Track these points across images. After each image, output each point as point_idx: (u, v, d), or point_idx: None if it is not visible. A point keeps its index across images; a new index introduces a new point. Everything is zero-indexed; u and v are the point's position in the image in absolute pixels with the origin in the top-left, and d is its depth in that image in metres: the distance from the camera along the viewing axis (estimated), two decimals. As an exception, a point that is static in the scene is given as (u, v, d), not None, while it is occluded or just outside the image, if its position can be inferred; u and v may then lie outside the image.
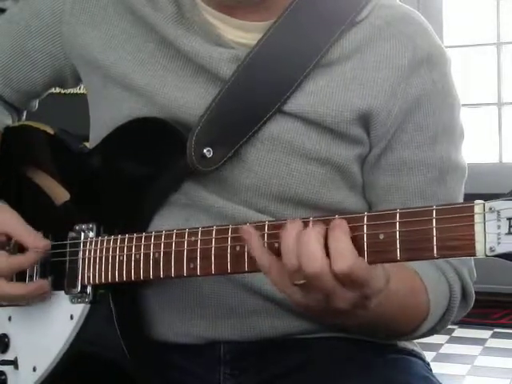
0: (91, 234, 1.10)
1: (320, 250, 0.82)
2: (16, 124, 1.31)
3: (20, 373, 1.17)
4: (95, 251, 1.08)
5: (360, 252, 0.82)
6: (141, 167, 1.11)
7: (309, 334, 1.12)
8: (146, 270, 1.02)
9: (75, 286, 1.10)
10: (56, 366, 1.12)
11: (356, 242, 0.82)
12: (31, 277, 1.14)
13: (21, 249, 1.13)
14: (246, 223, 0.92)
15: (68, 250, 1.12)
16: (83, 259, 1.09)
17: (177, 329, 1.11)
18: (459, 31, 4.44)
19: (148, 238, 1.02)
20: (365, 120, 1.08)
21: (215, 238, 0.94)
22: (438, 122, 1.10)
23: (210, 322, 1.10)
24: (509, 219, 0.73)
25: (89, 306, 1.09)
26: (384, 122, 1.08)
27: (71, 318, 1.10)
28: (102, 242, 1.08)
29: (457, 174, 1.13)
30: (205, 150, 1.05)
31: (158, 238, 1.01)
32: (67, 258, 1.11)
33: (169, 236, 1.00)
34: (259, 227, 0.89)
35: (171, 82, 1.10)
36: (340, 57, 1.08)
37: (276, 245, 0.87)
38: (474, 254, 0.76)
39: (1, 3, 2.44)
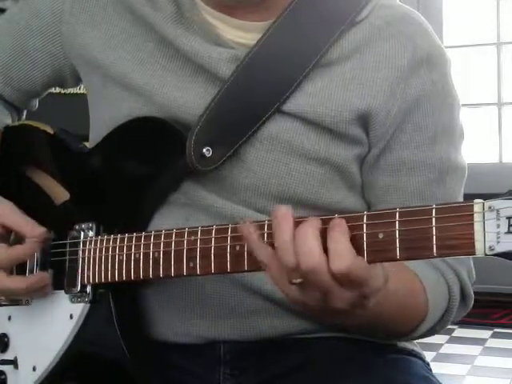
0: (91, 234, 1.10)
1: (317, 246, 0.81)
2: (16, 123, 1.31)
3: (20, 372, 1.17)
4: (95, 250, 1.08)
5: (359, 251, 0.82)
6: (140, 167, 1.11)
7: (309, 334, 1.12)
8: (146, 270, 1.02)
9: (75, 286, 1.10)
10: (56, 366, 1.12)
11: (355, 241, 0.82)
12: (31, 271, 1.14)
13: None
14: (244, 221, 0.91)
15: (68, 249, 1.12)
16: (83, 258, 1.09)
17: (176, 328, 1.11)
18: (459, 31, 4.44)
19: (148, 238, 1.02)
20: (364, 120, 1.08)
21: (215, 238, 0.94)
22: (438, 122, 1.10)
23: (209, 322, 1.10)
24: (508, 218, 0.73)
25: (88, 305, 1.09)
26: (383, 122, 1.08)
27: (71, 317, 1.10)
28: (102, 241, 1.08)
29: (456, 174, 1.13)
30: (204, 150, 1.05)
31: (157, 237, 1.01)
32: (67, 258, 1.11)
33: (168, 235, 1.00)
34: (259, 226, 0.89)
35: (170, 82, 1.10)
36: (339, 57, 1.08)
37: (276, 244, 0.87)
38: (473, 253, 0.76)
39: (1, 3, 2.44)
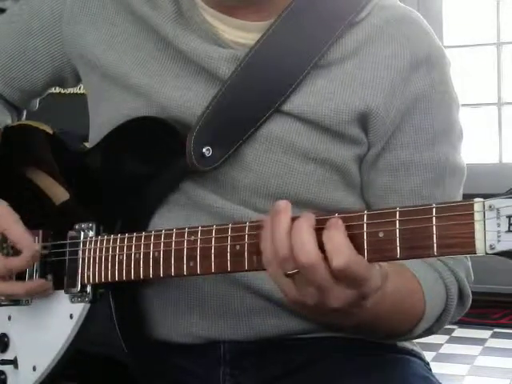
0: (91, 234, 1.10)
1: (312, 239, 0.82)
2: (15, 123, 1.31)
3: (20, 372, 1.17)
4: (95, 250, 1.08)
5: (360, 250, 0.82)
6: (140, 166, 1.11)
7: (308, 334, 1.12)
8: (146, 270, 1.02)
9: (75, 286, 1.09)
10: (56, 366, 1.12)
11: (356, 240, 0.82)
12: (31, 276, 1.14)
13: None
14: (245, 222, 0.92)
15: (68, 249, 1.11)
16: (83, 258, 1.09)
17: (177, 328, 1.11)
18: (459, 31, 4.44)
19: (148, 238, 1.02)
20: (363, 120, 1.08)
21: (215, 237, 0.94)
22: (437, 122, 1.10)
23: (209, 322, 1.10)
24: (508, 217, 0.73)
25: (89, 305, 1.09)
26: (382, 123, 1.08)
27: (71, 317, 1.10)
28: (102, 241, 1.08)
29: (455, 175, 1.13)
30: (204, 150, 1.05)
31: (157, 237, 1.01)
32: (67, 258, 1.11)
33: (168, 235, 1.00)
34: (259, 226, 0.89)
35: (170, 82, 1.10)
36: (339, 57, 1.08)
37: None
38: (474, 252, 0.76)
39: (1, 3, 2.44)
